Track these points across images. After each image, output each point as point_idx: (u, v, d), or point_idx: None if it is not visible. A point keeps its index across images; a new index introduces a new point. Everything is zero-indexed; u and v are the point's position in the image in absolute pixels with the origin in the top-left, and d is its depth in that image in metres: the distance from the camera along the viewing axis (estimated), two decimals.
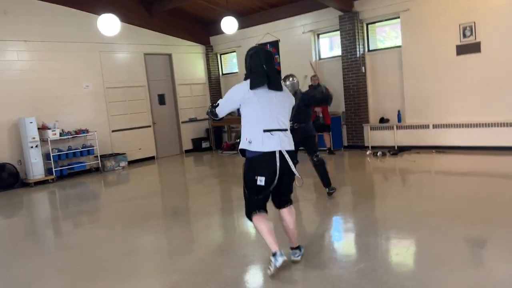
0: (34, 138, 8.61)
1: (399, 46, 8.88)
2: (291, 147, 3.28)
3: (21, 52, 8.94)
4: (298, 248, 3.51)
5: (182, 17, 11.68)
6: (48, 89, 9.24)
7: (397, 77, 9.00)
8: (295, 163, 3.32)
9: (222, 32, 11.72)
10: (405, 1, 8.51)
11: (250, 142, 3.18)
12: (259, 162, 3.19)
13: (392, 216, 4.64)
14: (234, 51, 12.17)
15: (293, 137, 3.44)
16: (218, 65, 12.82)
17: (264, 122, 3.18)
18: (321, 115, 8.91)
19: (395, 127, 8.93)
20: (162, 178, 9.33)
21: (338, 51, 10.14)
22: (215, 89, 12.70)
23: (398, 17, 8.75)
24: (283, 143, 3.20)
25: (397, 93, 9.04)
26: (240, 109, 3.33)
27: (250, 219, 3.35)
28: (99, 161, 9.82)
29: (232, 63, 12.80)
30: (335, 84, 9.70)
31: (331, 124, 9.32)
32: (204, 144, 12.30)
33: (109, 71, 10.36)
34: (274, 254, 3.20)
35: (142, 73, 11.10)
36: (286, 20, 10.60)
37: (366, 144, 9.40)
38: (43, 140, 8.88)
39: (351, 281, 3.07)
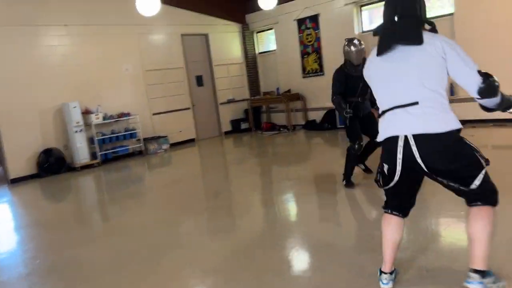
0: (78, 122, 8.68)
1: (451, 14, 8.30)
2: (424, 128, 2.13)
3: (62, 36, 8.97)
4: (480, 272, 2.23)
5: None
6: (89, 73, 9.25)
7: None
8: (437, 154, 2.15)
9: (257, 9, 11.43)
10: None
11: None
12: (384, 150, 2.37)
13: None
14: (271, 28, 11.83)
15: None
16: (254, 44, 12.52)
17: (385, 99, 2.30)
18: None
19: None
20: (204, 160, 9.26)
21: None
22: (252, 68, 12.44)
23: None
24: (407, 123, 2.17)
25: None
26: None
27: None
28: (142, 144, 9.84)
29: (269, 41, 12.48)
30: None
31: None
32: (243, 125, 12.13)
33: (147, 54, 10.28)
34: (380, 273, 2.50)
35: (180, 54, 10.96)
36: None
37: None
38: (87, 125, 8.94)
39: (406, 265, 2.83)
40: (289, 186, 5.65)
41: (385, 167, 2.31)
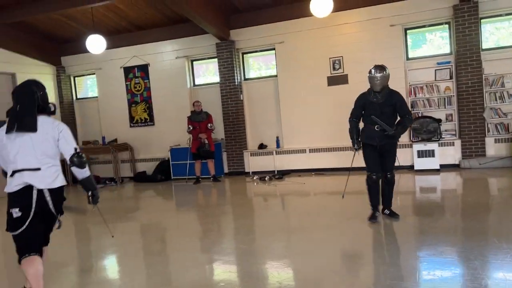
0: None
1: (275, 76, 9.36)
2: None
3: None
4: None
5: (30, 31, 10.07)
6: None
7: (274, 105, 9.43)
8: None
9: (77, 52, 10.67)
10: (280, 34, 9.07)
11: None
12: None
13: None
14: (93, 74, 11.01)
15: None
16: (71, 89, 11.38)
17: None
18: (206, 141, 8.64)
19: (274, 152, 9.28)
20: None
21: (210, 78, 10.17)
22: (69, 115, 11.21)
23: (274, 49, 9.25)
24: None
25: (274, 120, 9.45)
26: None
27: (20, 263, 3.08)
28: None
29: (87, 87, 11.55)
30: (211, 111, 9.47)
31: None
32: None
33: None
34: None
35: None
36: (156, 43, 10.15)
37: (246, 170, 9.50)
38: None
39: None
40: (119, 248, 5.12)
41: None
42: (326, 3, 7.19)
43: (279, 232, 5.05)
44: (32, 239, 3.08)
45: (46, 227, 3.22)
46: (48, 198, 3.08)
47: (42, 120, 3.17)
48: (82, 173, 3.21)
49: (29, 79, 3.31)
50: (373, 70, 4.71)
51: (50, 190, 3.10)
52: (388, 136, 4.67)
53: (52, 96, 10.97)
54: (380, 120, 4.67)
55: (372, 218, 4.87)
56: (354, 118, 4.99)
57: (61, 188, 3.20)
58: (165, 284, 3.74)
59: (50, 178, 3.12)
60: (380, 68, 4.70)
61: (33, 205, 3.03)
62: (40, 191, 3.06)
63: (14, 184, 3.05)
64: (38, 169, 3.08)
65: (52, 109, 3.30)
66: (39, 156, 3.10)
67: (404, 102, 4.79)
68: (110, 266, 4.55)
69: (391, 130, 4.62)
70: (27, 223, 3.01)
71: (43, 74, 10.72)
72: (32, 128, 3.09)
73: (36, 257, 3.05)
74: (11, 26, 9.58)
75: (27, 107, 3.14)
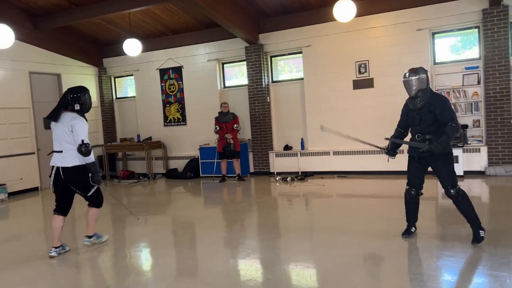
0: None
1: (302, 79, 9.54)
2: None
3: None
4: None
5: (74, 35, 10.83)
6: None
7: (300, 107, 9.61)
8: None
9: (116, 54, 11.28)
10: (307, 37, 9.24)
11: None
12: None
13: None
14: (132, 75, 11.64)
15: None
16: (111, 89, 12.08)
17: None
18: (232, 141, 8.97)
19: (299, 154, 9.46)
20: (49, 213, 8.23)
21: (240, 80, 10.48)
22: (109, 113, 11.91)
23: (301, 52, 9.43)
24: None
25: (299, 122, 9.63)
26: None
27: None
28: None
29: (127, 87, 12.21)
30: (239, 112, 9.84)
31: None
32: None
33: None
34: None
35: (26, 93, 9.86)
36: (190, 47, 10.60)
37: (271, 170, 9.74)
38: None
39: None
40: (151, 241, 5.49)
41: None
42: (349, 8, 7.30)
43: (284, 230, 5.26)
44: (57, 203, 4.65)
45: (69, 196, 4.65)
46: (62, 175, 4.42)
47: (66, 115, 4.45)
48: (87, 159, 4.41)
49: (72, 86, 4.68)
50: (407, 74, 4.23)
51: (66, 168, 4.42)
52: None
53: (94, 95, 11.73)
54: (420, 128, 4.22)
55: (406, 233, 4.54)
56: (398, 127, 4.61)
57: (77, 167, 4.43)
58: (191, 268, 4.12)
59: (68, 158, 4.40)
60: (415, 71, 4.19)
61: (52, 178, 4.51)
62: (57, 169, 4.44)
63: (51, 162, 4.52)
64: (61, 151, 4.41)
65: (77, 108, 4.47)
66: (62, 142, 4.41)
67: (445, 107, 4.11)
68: (141, 253, 4.96)
69: (425, 146, 4.07)
70: (52, 189, 4.60)
71: (86, 74, 11.49)
72: (54, 118, 4.47)
73: (57, 216, 4.63)
74: (57, 31, 10.32)
75: (58, 105, 4.54)
